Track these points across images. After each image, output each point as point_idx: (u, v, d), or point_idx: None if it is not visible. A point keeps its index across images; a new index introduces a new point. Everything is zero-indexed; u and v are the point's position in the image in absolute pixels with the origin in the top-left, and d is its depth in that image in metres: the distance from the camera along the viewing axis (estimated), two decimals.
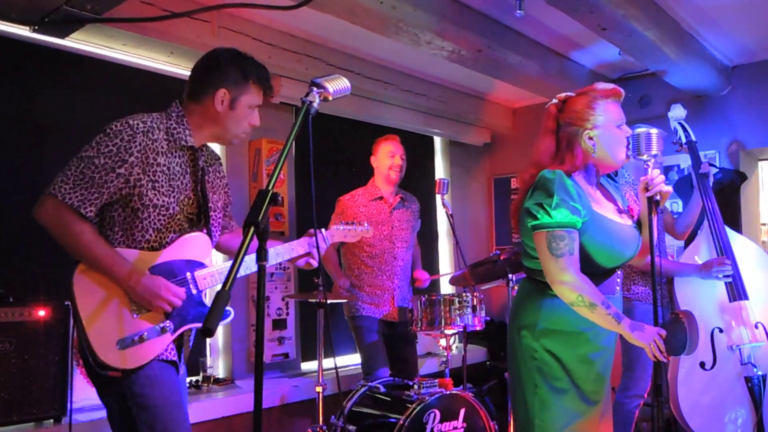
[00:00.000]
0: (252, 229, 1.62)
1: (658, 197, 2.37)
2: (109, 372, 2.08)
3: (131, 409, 2.12)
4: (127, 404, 2.13)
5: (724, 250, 3.56)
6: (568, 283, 2.21)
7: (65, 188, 2.08)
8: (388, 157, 4.16)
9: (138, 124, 2.16)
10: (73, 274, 2.13)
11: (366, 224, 2.96)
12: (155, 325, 2.15)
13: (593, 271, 2.31)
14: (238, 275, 2.13)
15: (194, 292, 2.24)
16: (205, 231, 2.32)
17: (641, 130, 2.44)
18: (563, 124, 2.38)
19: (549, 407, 2.30)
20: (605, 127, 2.33)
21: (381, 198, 4.20)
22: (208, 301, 2.21)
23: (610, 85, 2.39)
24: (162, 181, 2.18)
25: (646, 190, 2.38)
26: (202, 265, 2.28)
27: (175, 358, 2.22)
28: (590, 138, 2.33)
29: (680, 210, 5.09)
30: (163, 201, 2.18)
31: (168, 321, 2.17)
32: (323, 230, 2.65)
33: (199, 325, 2.21)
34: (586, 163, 2.37)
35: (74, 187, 2.08)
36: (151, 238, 2.19)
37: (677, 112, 3.89)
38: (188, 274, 2.24)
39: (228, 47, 2.37)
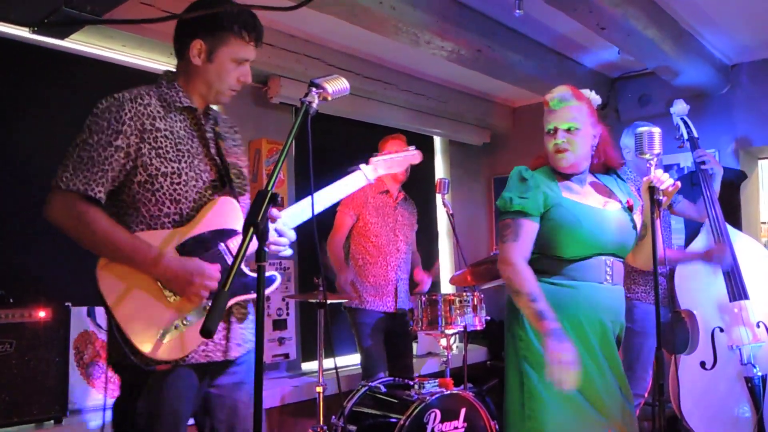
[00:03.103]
0: (252, 230, 1.61)
1: (662, 197, 2.40)
2: (156, 366, 1.93)
3: (131, 408, 1.99)
4: (130, 404, 1.99)
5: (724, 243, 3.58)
6: (506, 266, 2.40)
7: (66, 176, 1.95)
8: None
9: (123, 94, 2.02)
10: (96, 271, 2.00)
11: (413, 147, 2.64)
12: (197, 307, 1.98)
13: (565, 254, 2.42)
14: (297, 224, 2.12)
15: (230, 261, 2.02)
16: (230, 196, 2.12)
17: (643, 129, 2.47)
18: None
19: (536, 397, 2.35)
20: (543, 131, 2.57)
21: (387, 192, 4.29)
22: (247, 268, 2.08)
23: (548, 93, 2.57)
24: (166, 147, 2.01)
25: (650, 189, 2.40)
26: (234, 233, 2.07)
27: (202, 359, 2.03)
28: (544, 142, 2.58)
29: None
30: (173, 167, 2.00)
31: (208, 300, 1.98)
32: (361, 166, 2.42)
33: (246, 296, 2.08)
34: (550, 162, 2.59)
35: (75, 172, 1.94)
36: (170, 211, 2.00)
37: (679, 108, 3.88)
38: (222, 245, 2.04)
39: None
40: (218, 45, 2.08)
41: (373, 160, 2.48)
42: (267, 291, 2.03)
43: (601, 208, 2.48)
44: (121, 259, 1.97)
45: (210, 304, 1.89)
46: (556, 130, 2.48)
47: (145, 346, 1.92)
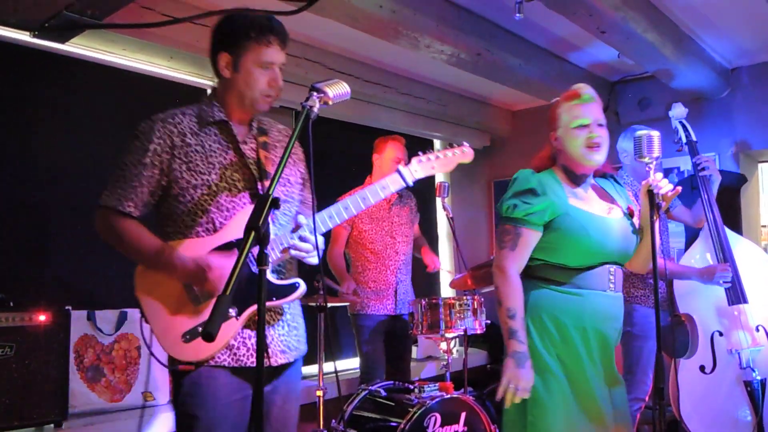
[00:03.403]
0: (253, 234, 1.62)
1: (661, 201, 2.40)
2: (179, 366, 2.04)
3: (176, 410, 2.10)
4: (176, 406, 2.10)
5: (724, 252, 3.56)
6: (498, 274, 2.38)
7: (105, 194, 2.10)
8: (393, 162, 4.20)
9: (158, 115, 2.14)
10: (134, 277, 2.13)
11: (465, 144, 2.42)
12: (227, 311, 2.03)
13: (571, 263, 2.38)
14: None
15: (254, 268, 2.05)
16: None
17: (642, 132, 2.46)
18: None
19: (540, 403, 2.32)
20: (564, 127, 2.47)
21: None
22: (272, 276, 2.11)
23: (572, 87, 2.51)
24: (196, 160, 2.10)
25: (649, 193, 2.40)
26: None
27: (234, 363, 2.07)
28: (555, 139, 2.50)
29: None
30: (203, 179, 2.09)
31: (231, 306, 1.96)
32: (399, 167, 2.28)
33: (268, 303, 2.09)
34: (561, 162, 2.51)
35: (111, 190, 2.10)
36: (203, 221, 2.10)
37: (678, 111, 3.89)
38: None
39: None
40: (241, 54, 2.13)
41: (415, 159, 2.30)
42: (291, 298, 2.12)
43: (606, 217, 2.45)
44: (148, 264, 2.10)
45: (232, 309, 2.00)
46: (590, 123, 2.42)
47: (170, 346, 2.04)
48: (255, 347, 2.09)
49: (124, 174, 2.09)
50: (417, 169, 2.29)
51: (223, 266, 2.00)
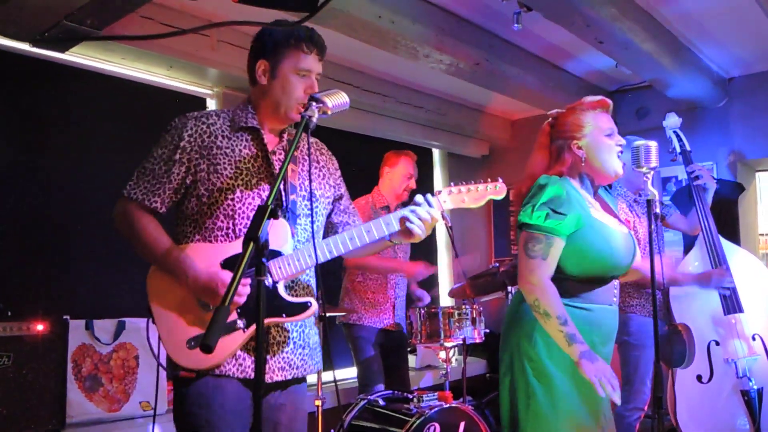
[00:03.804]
0: (252, 245, 1.61)
1: (657, 210, 2.40)
2: (180, 372, 2.02)
3: (180, 420, 2.06)
4: (181, 416, 2.06)
5: (719, 259, 3.57)
6: (532, 285, 2.26)
7: (131, 185, 2.08)
8: (405, 178, 4.24)
9: (192, 113, 2.14)
10: (147, 276, 2.10)
11: (500, 179, 2.24)
12: (226, 322, 1.97)
13: (587, 277, 2.33)
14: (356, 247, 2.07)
15: (268, 283, 2.00)
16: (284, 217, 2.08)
17: (640, 142, 2.47)
18: (555, 139, 2.47)
19: (542, 419, 2.29)
20: (592, 136, 2.40)
21: (387, 207, 4.26)
22: (286, 292, 2.07)
23: (598, 97, 2.46)
24: (224, 164, 2.09)
25: (648, 203, 2.41)
26: (278, 254, 2.05)
27: (239, 374, 2.04)
28: (579, 148, 2.40)
29: None
30: (229, 184, 2.07)
31: (240, 317, 2.00)
32: (428, 195, 2.15)
33: (278, 319, 2.05)
34: (579, 172, 2.43)
35: (138, 183, 2.08)
36: (223, 225, 2.07)
37: (672, 121, 3.90)
38: None
39: None
40: (279, 60, 2.14)
41: (446, 190, 2.19)
42: (302, 316, 2.07)
43: (618, 231, 2.41)
44: (163, 267, 2.06)
45: (240, 321, 1.98)
46: (615, 133, 2.41)
47: (174, 351, 2.02)
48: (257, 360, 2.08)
49: (153, 168, 2.08)
50: (446, 200, 2.19)
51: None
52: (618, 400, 2.16)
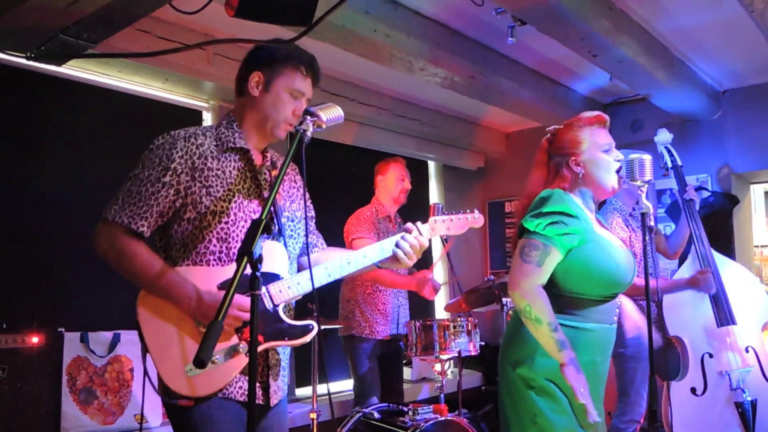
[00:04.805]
0: (245, 260, 1.61)
1: (651, 223, 2.40)
2: (179, 401, 1.94)
3: None
4: None
5: (708, 265, 3.60)
6: (523, 290, 2.22)
7: (115, 209, 1.99)
8: (398, 181, 4.27)
9: (179, 133, 2.07)
10: (136, 302, 2.02)
11: (476, 211, 2.45)
12: (226, 347, 1.96)
13: (591, 294, 2.30)
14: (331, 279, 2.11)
15: (269, 306, 2.02)
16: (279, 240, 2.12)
17: (635, 156, 2.48)
18: (553, 155, 2.46)
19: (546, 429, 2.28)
20: (590, 152, 2.39)
21: (388, 217, 4.28)
22: (285, 315, 2.06)
23: (595, 113, 2.45)
24: (217, 186, 2.03)
25: (642, 216, 2.40)
26: (277, 277, 2.05)
27: (238, 397, 2.02)
28: (576, 164, 2.39)
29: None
30: (222, 206, 2.02)
31: (241, 341, 1.98)
32: (418, 223, 2.25)
33: (280, 343, 2.05)
34: (578, 187, 2.42)
35: (123, 206, 1.98)
36: (216, 249, 2.01)
37: (663, 137, 3.92)
38: (262, 289, 1.98)
39: None
40: (275, 76, 2.13)
41: (431, 220, 2.32)
42: (303, 340, 2.06)
43: (619, 247, 2.39)
44: (158, 292, 1.99)
45: (241, 345, 1.96)
46: (612, 149, 2.41)
47: (170, 379, 1.94)
48: (260, 384, 2.07)
49: (140, 190, 1.99)
50: (434, 227, 2.32)
51: (239, 303, 1.93)
52: (595, 417, 2.14)
